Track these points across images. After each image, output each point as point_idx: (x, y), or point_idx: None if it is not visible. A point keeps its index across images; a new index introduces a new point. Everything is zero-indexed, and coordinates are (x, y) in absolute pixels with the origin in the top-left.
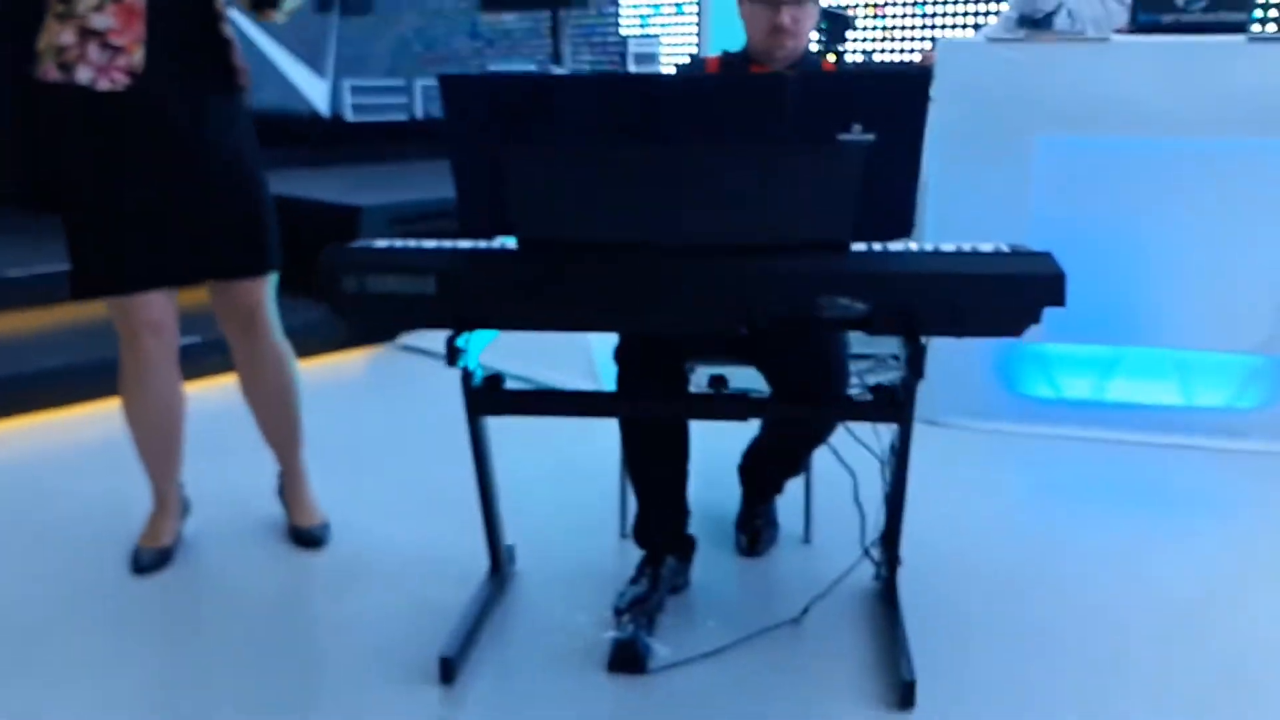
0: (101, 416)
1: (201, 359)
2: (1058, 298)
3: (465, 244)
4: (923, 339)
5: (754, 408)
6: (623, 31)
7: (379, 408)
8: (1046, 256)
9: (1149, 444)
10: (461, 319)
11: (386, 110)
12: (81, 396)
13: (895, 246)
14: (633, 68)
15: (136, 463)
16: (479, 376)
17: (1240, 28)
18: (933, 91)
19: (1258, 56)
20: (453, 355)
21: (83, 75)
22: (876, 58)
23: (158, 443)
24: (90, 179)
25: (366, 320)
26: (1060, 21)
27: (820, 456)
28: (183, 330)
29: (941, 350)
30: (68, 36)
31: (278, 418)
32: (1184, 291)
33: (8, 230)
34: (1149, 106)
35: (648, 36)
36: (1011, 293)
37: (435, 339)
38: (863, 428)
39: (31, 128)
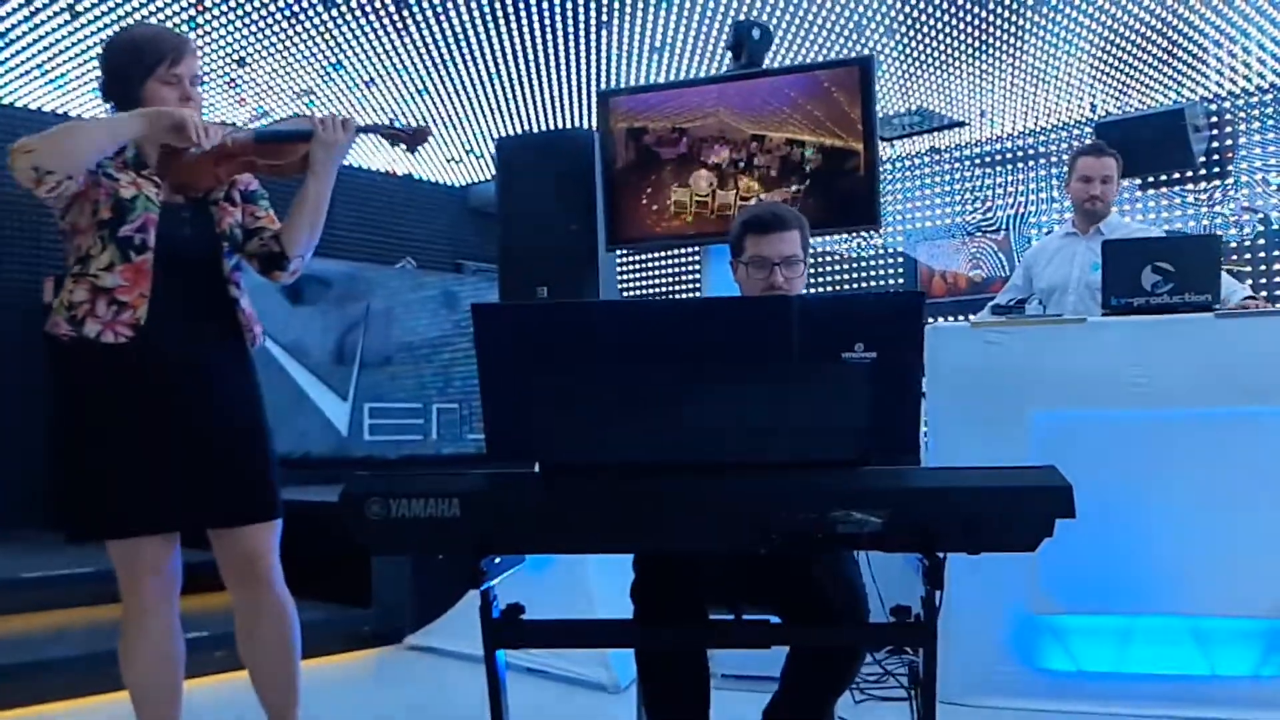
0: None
1: (206, 653)
2: (1067, 509)
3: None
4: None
5: (773, 633)
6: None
7: (388, 707)
8: (1052, 470)
9: (1173, 717)
10: (484, 542)
11: (403, 430)
12: (88, 689)
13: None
14: None
15: None
16: (498, 607)
17: (1205, 308)
18: (925, 379)
19: (1226, 332)
20: (476, 578)
21: (90, 329)
22: None
23: (154, 692)
24: (92, 427)
25: (391, 547)
26: (1031, 307)
27: None
28: (186, 627)
29: (957, 628)
30: (80, 294)
31: (276, 673)
32: (1193, 557)
33: (26, 541)
34: (1131, 380)
35: None
36: (1024, 505)
37: (445, 637)
38: None
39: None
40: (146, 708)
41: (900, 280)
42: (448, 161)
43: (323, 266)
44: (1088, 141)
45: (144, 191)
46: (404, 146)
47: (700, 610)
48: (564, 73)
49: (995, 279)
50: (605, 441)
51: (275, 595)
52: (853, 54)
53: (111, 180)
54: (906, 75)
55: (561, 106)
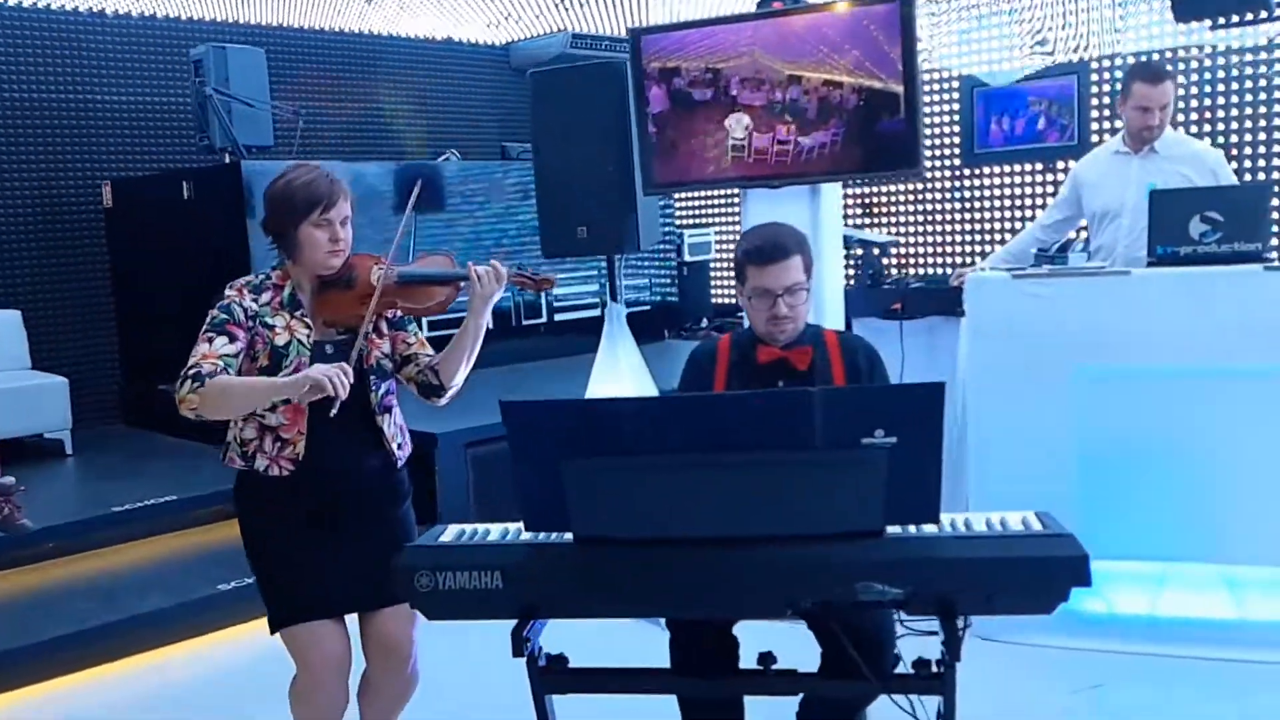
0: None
1: None
2: (1083, 579)
3: (528, 540)
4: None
5: (801, 683)
6: (677, 225)
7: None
8: (1070, 538)
9: (1203, 659)
10: (526, 610)
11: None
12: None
13: (927, 529)
14: (687, 258)
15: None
16: (543, 657)
17: (1254, 258)
18: (964, 327)
19: (1275, 284)
20: (518, 646)
21: (259, 464)
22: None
23: None
24: (264, 540)
25: (441, 614)
26: (1075, 257)
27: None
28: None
29: None
30: (249, 432)
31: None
32: (1232, 507)
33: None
34: (1174, 333)
35: (700, 228)
36: (1040, 575)
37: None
38: None
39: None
40: None
41: (957, 137)
42: (488, 26)
43: (373, 171)
44: (1142, 60)
45: (296, 336)
46: (532, 290)
47: (731, 640)
48: None
49: (1053, 130)
50: (635, 518)
51: (407, 673)
52: None
53: (268, 329)
54: None
55: None
